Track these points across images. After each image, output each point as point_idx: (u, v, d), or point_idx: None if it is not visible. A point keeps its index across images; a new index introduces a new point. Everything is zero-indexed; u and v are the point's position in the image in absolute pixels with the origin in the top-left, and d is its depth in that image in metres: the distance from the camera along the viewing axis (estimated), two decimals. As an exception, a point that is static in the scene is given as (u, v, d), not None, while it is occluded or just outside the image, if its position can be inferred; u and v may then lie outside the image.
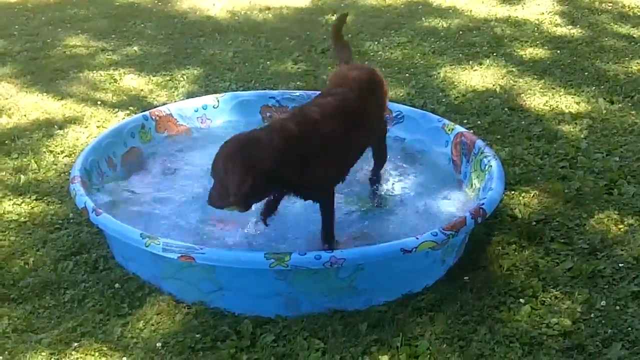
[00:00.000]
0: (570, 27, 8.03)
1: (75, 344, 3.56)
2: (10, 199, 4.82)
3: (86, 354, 3.49)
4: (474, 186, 4.59)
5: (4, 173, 5.17)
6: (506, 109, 6.04)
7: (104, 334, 3.63)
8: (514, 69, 6.89)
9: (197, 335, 3.57)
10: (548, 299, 3.83)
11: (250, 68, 7.17)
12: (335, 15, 8.71)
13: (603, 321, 3.66)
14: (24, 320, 3.73)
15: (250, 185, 3.57)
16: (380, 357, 3.43)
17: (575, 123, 5.78)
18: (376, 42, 7.74)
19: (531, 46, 7.47)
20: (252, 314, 3.70)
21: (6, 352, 3.51)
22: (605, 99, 6.19)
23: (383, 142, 4.65)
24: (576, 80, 6.60)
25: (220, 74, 7.02)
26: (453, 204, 4.56)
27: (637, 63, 6.98)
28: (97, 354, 3.50)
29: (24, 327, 3.69)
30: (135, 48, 7.88)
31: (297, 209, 4.36)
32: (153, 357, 3.47)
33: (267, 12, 9.10)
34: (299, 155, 3.74)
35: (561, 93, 6.34)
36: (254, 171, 3.59)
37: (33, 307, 3.83)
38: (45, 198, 4.84)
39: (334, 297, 3.72)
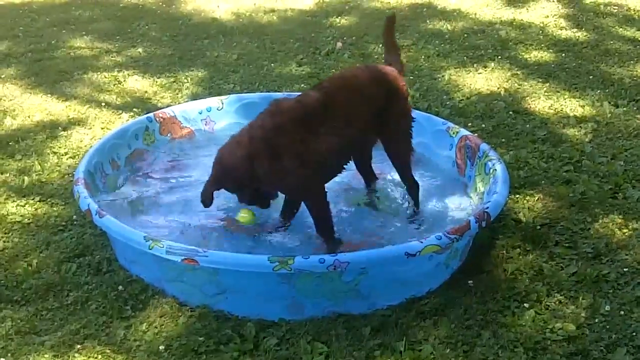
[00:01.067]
0: (575, 30, 8.01)
1: (79, 346, 3.55)
2: (13, 201, 4.82)
3: (89, 357, 3.49)
4: (478, 190, 4.58)
5: (7, 174, 5.18)
6: (511, 112, 6.03)
7: (107, 336, 3.62)
8: (518, 72, 6.88)
9: (201, 339, 3.57)
10: (552, 303, 3.81)
11: (255, 70, 7.17)
12: (340, 17, 8.73)
13: (607, 326, 3.64)
14: (27, 322, 3.73)
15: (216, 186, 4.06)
16: (383, 361, 3.43)
17: (580, 127, 5.76)
18: (380, 45, 7.72)
19: (536, 49, 7.45)
20: (256, 317, 3.69)
21: (9, 354, 3.51)
22: (610, 102, 6.17)
23: (394, 148, 4.42)
24: (581, 84, 6.59)
25: (225, 76, 7.02)
26: (457, 208, 4.55)
27: (643, 67, 6.98)
28: (100, 356, 3.49)
29: (27, 329, 3.68)
30: (140, 50, 7.89)
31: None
32: (156, 360, 3.47)
33: (271, 14, 9.11)
34: (247, 156, 3.96)
35: (566, 96, 6.33)
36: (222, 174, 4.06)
37: (36, 309, 3.82)
38: (48, 200, 4.84)
39: (337, 300, 3.70)
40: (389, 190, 4.75)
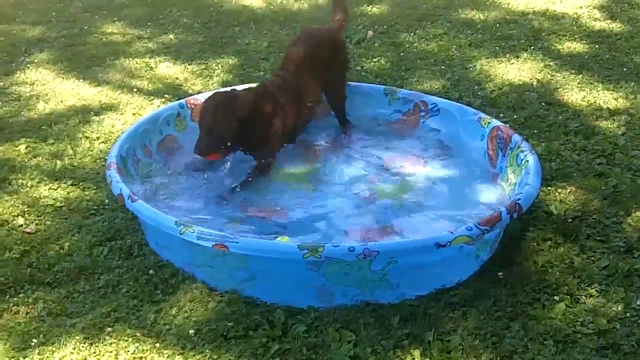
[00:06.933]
0: (609, 21, 7.90)
1: (109, 329, 3.59)
2: (46, 184, 4.87)
3: (119, 339, 3.52)
4: (509, 181, 4.54)
5: (40, 158, 5.23)
6: (543, 104, 5.97)
7: (138, 319, 3.65)
8: (551, 63, 6.81)
9: (230, 324, 3.59)
10: (583, 297, 3.78)
11: (285, 58, 7.15)
12: (371, 6, 8.69)
13: (639, 321, 3.61)
14: (58, 304, 3.78)
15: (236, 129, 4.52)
16: (412, 351, 3.42)
17: (613, 119, 5.69)
18: (412, 34, 7.69)
19: (569, 40, 7.37)
20: (285, 304, 3.70)
21: (41, 336, 3.55)
22: (644, 95, 6.10)
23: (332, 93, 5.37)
24: (615, 76, 6.51)
25: (255, 64, 7.02)
26: (488, 199, 4.52)
27: (678, 59, 6.86)
28: (130, 339, 3.52)
29: (58, 311, 3.73)
30: (171, 36, 7.92)
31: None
32: (185, 344, 3.49)
33: (302, 1, 9.08)
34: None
35: (599, 88, 6.26)
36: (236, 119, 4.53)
37: (68, 291, 3.87)
38: (80, 184, 4.89)
39: (366, 289, 3.70)
40: (413, 182, 4.74)
